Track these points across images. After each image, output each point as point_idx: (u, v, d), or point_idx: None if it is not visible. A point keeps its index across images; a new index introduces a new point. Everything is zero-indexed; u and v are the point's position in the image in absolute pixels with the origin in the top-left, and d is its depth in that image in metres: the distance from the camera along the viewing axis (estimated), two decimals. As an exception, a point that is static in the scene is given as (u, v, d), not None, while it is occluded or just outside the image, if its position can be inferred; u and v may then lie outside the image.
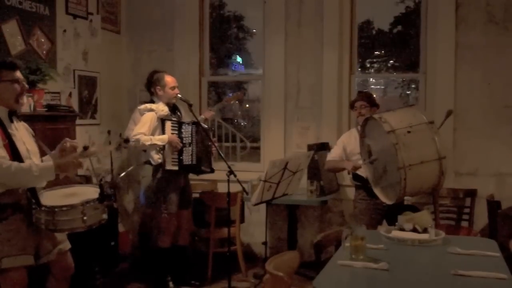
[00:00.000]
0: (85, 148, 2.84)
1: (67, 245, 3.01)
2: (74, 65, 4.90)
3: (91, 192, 2.89)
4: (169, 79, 4.27)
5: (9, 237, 2.68)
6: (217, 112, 5.28)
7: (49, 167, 2.69)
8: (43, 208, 2.68)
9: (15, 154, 2.69)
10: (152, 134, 4.12)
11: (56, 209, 2.67)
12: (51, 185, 2.94)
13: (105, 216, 2.85)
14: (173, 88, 4.26)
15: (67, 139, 2.94)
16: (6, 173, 2.59)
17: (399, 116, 3.53)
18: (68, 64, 4.81)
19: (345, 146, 4.27)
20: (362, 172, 4.02)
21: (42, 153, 2.94)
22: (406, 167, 3.28)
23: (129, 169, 4.72)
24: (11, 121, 2.79)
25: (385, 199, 3.66)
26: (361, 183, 4.11)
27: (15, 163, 2.63)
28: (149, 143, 4.04)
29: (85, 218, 2.71)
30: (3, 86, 2.74)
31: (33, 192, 2.74)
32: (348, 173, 4.36)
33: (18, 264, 2.69)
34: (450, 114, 4.27)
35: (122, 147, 4.10)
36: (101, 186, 2.83)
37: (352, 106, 4.30)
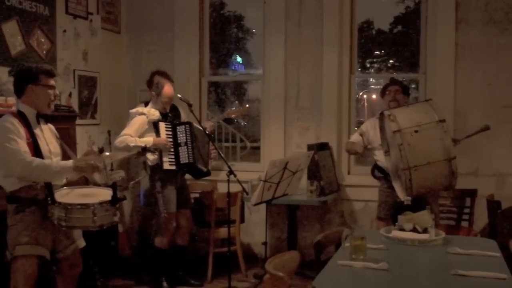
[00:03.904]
0: (101, 150, 3.06)
1: (82, 243, 3.16)
2: (74, 65, 4.90)
3: (107, 194, 2.98)
4: (166, 91, 4.24)
5: (24, 228, 2.84)
6: (216, 123, 5.27)
7: (68, 166, 2.87)
8: (56, 204, 2.82)
9: (37, 152, 2.87)
10: (142, 137, 4.14)
11: (69, 207, 2.81)
12: (72, 184, 3.11)
13: (116, 218, 2.98)
14: (166, 102, 4.26)
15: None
16: (28, 167, 2.76)
17: (411, 113, 3.46)
18: (68, 64, 4.81)
19: (365, 133, 4.28)
20: (383, 163, 4.02)
21: (65, 156, 3.10)
22: (411, 168, 3.24)
23: (139, 178, 4.68)
24: (38, 123, 2.97)
25: (401, 194, 3.61)
26: (383, 175, 4.11)
27: (37, 159, 2.81)
28: (132, 144, 4.05)
29: (95, 218, 2.83)
30: (40, 90, 2.94)
31: (49, 188, 2.87)
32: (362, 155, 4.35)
33: (29, 252, 2.83)
34: (487, 129, 4.02)
35: (141, 155, 4.15)
36: (114, 189, 2.91)
37: (383, 91, 4.24)
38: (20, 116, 2.91)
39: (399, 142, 3.25)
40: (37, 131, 2.94)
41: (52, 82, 2.99)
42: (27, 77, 2.93)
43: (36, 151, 2.87)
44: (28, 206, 2.87)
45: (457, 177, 3.38)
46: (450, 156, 3.29)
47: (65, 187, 3.04)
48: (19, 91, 2.97)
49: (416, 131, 3.29)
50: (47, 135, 3.03)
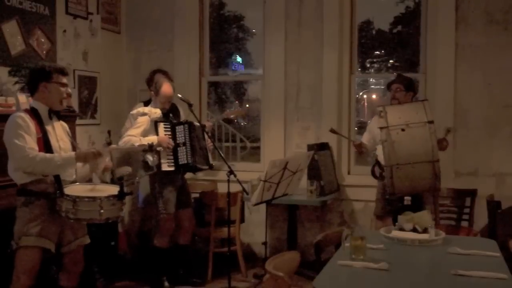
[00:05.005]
0: (108, 143, 3.14)
1: (86, 239, 3.22)
2: (74, 65, 4.89)
3: (114, 190, 3.03)
4: (164, 91, 4.21)
5: (31, 219, 2.92)
6: (215, 123, 5.27)
7: (70, 157, 2.96)
8: (65, 197, 2.88)
9: (47, 148, 2.95)
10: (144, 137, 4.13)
11: (77, 199, 2.87)
12: (83, 181, 3.20)
13: (122, 213, 3.06)
14: (164, 102, 4.25)
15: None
16: (32, 163, 2.85)
17: (403, 111, 3.48)
18: (68, 64, 4.80)
19: (371, 129, 4.30)
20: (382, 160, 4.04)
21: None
22: (393, 166, 3.27)
23: (141, 175, 4.67)
24: (50, 119, 3.06)
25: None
26: (383, 171, 4.13)
27: (41, 154, 2.88)
28: (138, 143, 4.04)
29: (102, 211, 2.89)
30: (53, 87, 3.03)
31: (58, 182, 2.94)
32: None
33: (35, 243, 2.90)
34: (449, 132, 4.05)
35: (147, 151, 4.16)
36: (121, 184, 2.96)
37: (388, 88, 4.26)
38: (33, 112, 2.99)
39: (384, 138, 3.30)
40: (48, 127, 3.03)
41: (64, 80, 3.09)
42: (41, 75, 3.03)
43: (46, 147, 2.94)
44: (37, 199, 2.93)
45: (440, 179, 3.40)
46: (433, 158, 3.30)
47: (77, 183, 3.10)
48: (32, 89, 3.07)
49: (403, 130, 3.31)
50: (58, 131, 3.11)
